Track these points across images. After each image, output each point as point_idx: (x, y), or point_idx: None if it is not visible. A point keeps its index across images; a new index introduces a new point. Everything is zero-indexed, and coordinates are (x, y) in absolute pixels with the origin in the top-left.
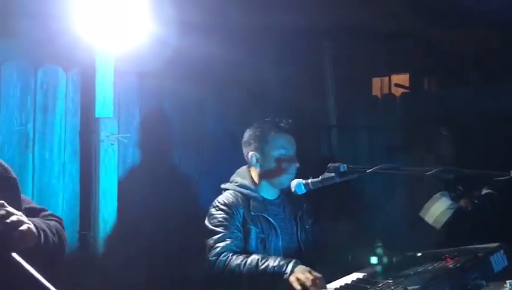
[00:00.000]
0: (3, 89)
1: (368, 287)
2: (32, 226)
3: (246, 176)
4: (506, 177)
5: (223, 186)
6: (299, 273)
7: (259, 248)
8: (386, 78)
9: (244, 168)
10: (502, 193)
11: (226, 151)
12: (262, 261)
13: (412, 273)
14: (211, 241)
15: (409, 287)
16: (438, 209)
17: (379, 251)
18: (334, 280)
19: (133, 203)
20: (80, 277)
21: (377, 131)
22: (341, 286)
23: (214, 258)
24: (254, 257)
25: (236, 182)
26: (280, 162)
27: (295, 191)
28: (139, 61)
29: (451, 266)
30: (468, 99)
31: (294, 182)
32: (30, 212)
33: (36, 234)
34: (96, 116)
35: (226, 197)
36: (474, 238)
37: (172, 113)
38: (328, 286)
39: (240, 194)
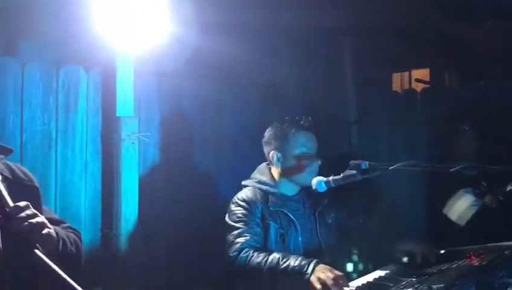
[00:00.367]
0: (26, 89)
1: (391, 285)
2: (53, 232)
3: (265, 172)
4: None
5: (243, 182)
6: (320, 273)
7: (278, 243)
8: (406, 74)
9: (264, 164)
10: None
11: (245, 149)
12: (283, 261)
13: (435, 271)
14: (230, 237)
15: (433, 286)
16: (461, 206)
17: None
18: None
19: (153, 201)
20: (102, 275)
21: (397, 127)
22: (363, 284)
23: (234, 254)
24: (275, 256)
25: (256, 179)
26: (301, 160)
27: (316, 188)
28: (158, 61)
29: (476, 263)
30: (491, 94)
31: (315, 180)
32: (50, 223)
33: (56, 240)
34: (117, 115)
35: (244, 193)
36: (499, 235)
37: (191, 113)
38: (350, 284)
39: (258, 190)
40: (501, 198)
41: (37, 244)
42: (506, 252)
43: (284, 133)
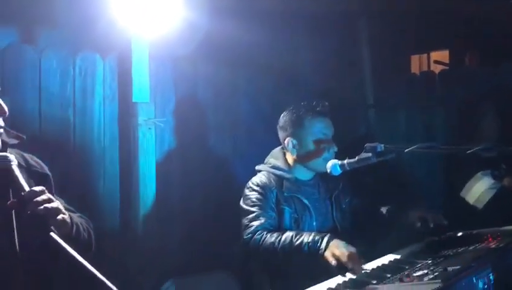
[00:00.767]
0: (44, 77)
1: (406, 267)
2: (67, 217)
3: (279, 157)
4: None
5: (257, 167)
6: (334, 249)
7: (293, 228)
8: (425, 55)
9: (278, 149)
10: None
11: (259, 134)
12: (297, 238)
13: (452, 253)
14: (245, 220)
15: (448, 268)
16: (479, 189)
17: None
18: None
19: (170, 185)
20: (120, 260)
21: (415, 110)
22: (378, 266)
23: (248, 236)
24: (288, 234)
25: (270, 164)
26: (317, 146)
27: (331, 172)
28: (173, 45)
29: (493, 246)
30: None
31: (330, 163)
32: None
33: (70, 225)
34: (134, 101)
35: (259, 178)
36: None
37: (206, 97)
38: (364, 266)
39: (272, 175)
40: None
41: (52, 228)
42: None
43: (300, 119)
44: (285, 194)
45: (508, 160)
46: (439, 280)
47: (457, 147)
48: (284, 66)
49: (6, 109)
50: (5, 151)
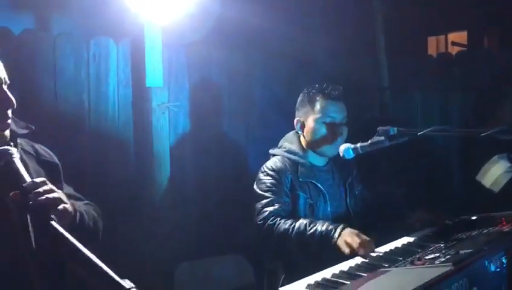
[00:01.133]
0: (58, 62)
1: (419, 250)
2: (69, 206)
3: (294, 140)
4: None
5: (271, 151)
6: (347, 237)
7: (307, 214)
8: (443, 37)
9: (292, 133)
10: None
11: (273, 118)
12: (311, 226)
13: (465, 237)
14: (259, 205)
15: (461, 251)
16: (496, 173)
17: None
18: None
19: (184, 170)
20: (135, 243)
21: (431, 92)
22: (390, 250)
23: (261, 222)
24: (302, 222)
25: (285, 148)
26: (329, 129)
27: (343, 155)
28: (186, 30)
29: (507, 229)
30: None
31: (343, 147)
32: (70, 199)
33: (72, 213)
34: (147, 85)
35: (274, 162)
36: None
37: (219, 82)
38: (377, 250)
39: (287, 160)
40: None
41: (53, 217)
42: None
43: (312, 102)
44: (300, 179)
45: None
46: (450, 263)
47: (472, 129)
48: (298, 50)
49: (14, 101)
50: (15, 141)
